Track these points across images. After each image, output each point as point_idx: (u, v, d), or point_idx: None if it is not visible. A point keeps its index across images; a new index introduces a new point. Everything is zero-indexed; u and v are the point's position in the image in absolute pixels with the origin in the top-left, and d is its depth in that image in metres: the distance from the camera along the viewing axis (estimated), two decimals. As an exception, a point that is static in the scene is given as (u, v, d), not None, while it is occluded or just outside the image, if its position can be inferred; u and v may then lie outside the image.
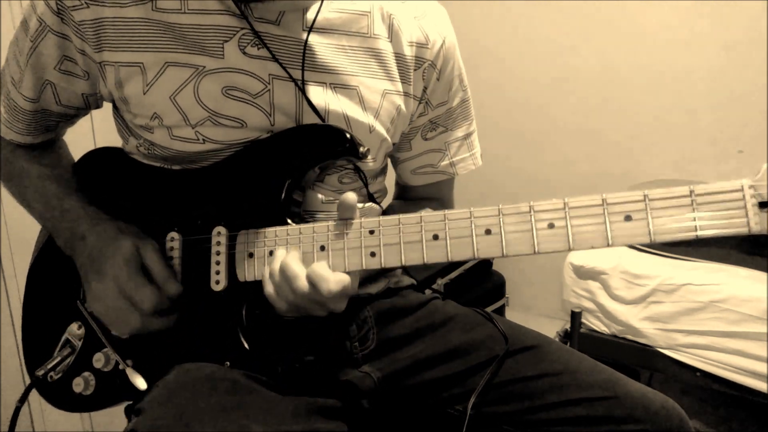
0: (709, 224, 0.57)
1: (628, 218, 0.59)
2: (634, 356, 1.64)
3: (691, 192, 0.58)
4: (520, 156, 2.45)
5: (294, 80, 0.77)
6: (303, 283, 0.67)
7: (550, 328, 1.78)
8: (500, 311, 2.31)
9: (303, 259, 0.70)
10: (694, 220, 0.57)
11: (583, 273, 1.71)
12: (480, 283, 2.23)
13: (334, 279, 0.66)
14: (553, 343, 0.87)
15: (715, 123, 2.05)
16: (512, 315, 2.40)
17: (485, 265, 2.27)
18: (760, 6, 1.90)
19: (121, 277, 0.74)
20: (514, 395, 0.80)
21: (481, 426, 0.81)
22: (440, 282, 2.01)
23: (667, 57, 2.10)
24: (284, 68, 0.77)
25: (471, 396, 0.80)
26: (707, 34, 2.02)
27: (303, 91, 0.78)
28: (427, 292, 0.99)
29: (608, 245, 0.60)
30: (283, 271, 0.68)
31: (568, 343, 1.71)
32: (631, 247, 1.73)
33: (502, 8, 2.39)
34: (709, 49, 2.03)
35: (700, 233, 0.57)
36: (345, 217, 0.70)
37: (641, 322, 1.61)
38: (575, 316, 1.70)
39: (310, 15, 0.78)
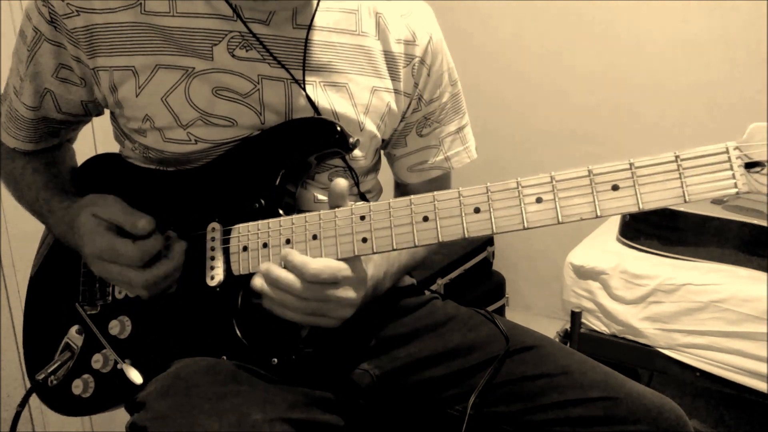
0: (696, 188, 0.57)
1: (615, 188, 0.59)
2: (634, 356, 1.64)
3: (677, 157, 0.57)
4: (517, 158, 2.45)
5: (294, 78, 0.78)
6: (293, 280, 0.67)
7: (550, 328, 1.78)
8: (500, 311, 2.30)
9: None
10: (682, 185, 0.57)
11: (583, 273, 1.71)
12: (480, 283, 2.23)
13: (313, 262, 0.67)
14: (553, 343, 0.87)
15: (715, 123, 2.05)
16: (512, 315, 2.40)
17: (485, 265, 2.27)
18: (760, 6, 1.90)
19: (96, 248, 0.75)
20: (514, 395, 0.81)
21: (480, 426, 0.81)
22: (440, 282, 2.01)
23: (666, 57, 2.10)
24: (283, 66, 0.77)
25: (470, 396, 0.80)
26: (706, 34, 2.02)
27: (303, 87, 0.78)
28: (426, 293, 0.99)
29: (597, 216, 0.59)
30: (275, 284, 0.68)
31: (568, 343, 1.70)
32: (631, 247, 1.73)
33: (500, 9, 2.38)
34: (708, 49, 2.02)
35: (689, 197, 0.57)
36: (336, 205, 0.70)
37: (641, 322, 1.61)
38: (575, 316, 1.70)
39: (300, 14, 0.79)
